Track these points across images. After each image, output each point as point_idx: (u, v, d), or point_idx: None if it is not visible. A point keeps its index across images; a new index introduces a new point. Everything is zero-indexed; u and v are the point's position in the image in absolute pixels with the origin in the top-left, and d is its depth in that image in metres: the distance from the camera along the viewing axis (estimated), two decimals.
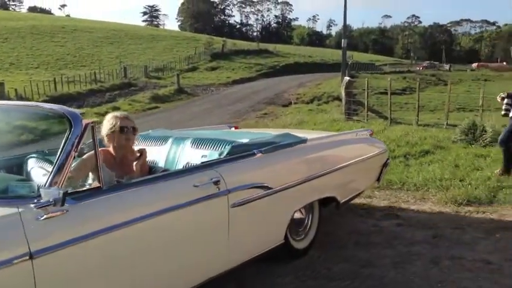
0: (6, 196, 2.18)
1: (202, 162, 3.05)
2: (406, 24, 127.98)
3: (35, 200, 2.05)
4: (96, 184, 2.34)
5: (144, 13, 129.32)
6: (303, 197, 3.63)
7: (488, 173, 5.99)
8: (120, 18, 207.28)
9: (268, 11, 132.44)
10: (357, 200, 4.83)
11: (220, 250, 2.92)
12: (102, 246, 2.21)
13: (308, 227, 3.91)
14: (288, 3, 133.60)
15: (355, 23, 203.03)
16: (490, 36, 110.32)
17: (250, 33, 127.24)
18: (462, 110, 18.45)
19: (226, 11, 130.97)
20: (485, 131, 8.10)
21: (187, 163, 3.42)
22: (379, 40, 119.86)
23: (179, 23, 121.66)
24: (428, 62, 68.10)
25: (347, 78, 15.98)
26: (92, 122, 2.32)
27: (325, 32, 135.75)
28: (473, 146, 7.90)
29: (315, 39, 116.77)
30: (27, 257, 1.93)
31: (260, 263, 3.37)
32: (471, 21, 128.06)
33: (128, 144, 3.01)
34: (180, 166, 3.45)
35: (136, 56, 38.39)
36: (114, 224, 2.26)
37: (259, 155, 3.29)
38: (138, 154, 3.02)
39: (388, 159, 4.89)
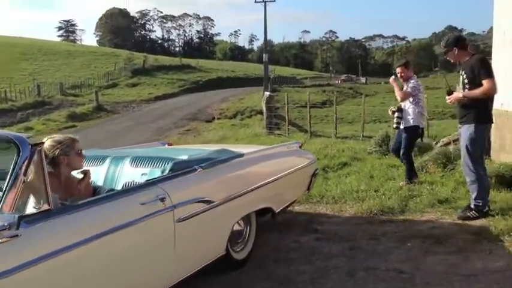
0: None
1: (147, 180, 3.09)
2: (324, 39, 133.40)
3: None
4: (45, 207, 2.27)
5: (60, 28, 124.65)
6: (241, 208, 3.77)
7: (400, 183, 6.25)
8: (34, 33, 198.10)
9: (190, 26, 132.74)
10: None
11: (167, 264, 2.97)
12: (56, 268, 2.21)
13: (246, 238, 4.02)
14: (209, 19, 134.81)
15: (276, 38, 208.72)
16: (401, 50, 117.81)
17: (172, 48, 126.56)
18: (378, 122, 19.41)
19: (147, 26, 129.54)
20: None
21: (128, 182, 3.42)
22: (300, 54, 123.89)
23: (97, 38, 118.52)
24: (346, 75, 71.35)
25: (267, 93, 16.28)
26: (40, 145, 2.35)
27: (247, 46, 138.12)
28: (386, 156, 8.22)
29: (238, 53, 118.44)
30: None
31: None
32: (383, 37, 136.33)
33: (82, 166, 3.06)
34: (120, 185, 3.44)
35: (51, 73, 36.80)
36: (67, 245, 2.26)
37: (200, 170, 3.38)
38: (82, 175, 3.00)
39: (316, 169, 5.21)
